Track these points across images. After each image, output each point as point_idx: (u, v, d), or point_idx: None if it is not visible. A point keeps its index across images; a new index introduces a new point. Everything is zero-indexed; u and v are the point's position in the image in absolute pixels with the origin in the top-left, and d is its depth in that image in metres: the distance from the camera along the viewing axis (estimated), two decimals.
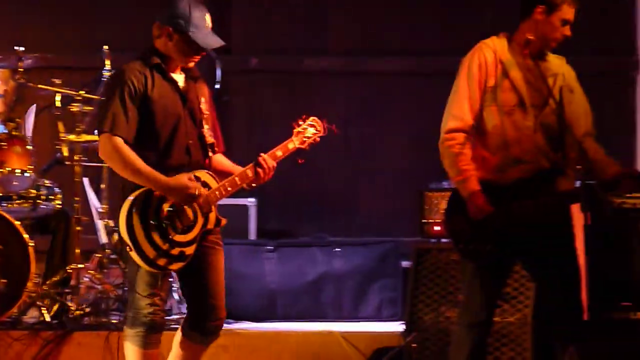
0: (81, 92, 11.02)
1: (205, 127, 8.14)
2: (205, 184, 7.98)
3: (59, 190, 11.16)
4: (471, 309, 8.53)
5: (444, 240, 10.19)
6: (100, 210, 11.36)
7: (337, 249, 12.31)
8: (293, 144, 8.18)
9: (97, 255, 11.03)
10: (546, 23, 8.36)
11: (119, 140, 7.76)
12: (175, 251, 7.86)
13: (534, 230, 8.37)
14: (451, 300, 10.02)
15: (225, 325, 9.92)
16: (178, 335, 8.22)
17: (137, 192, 7.81)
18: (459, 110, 8.40)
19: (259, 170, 8.05)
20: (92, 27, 13.23)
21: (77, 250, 10.87)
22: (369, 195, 12.86)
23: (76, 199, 10.95)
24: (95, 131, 8.95)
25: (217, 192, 7.96)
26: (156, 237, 7.81)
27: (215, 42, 8.08)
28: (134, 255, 7.77)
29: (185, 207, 7.84)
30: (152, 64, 7.94)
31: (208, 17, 8.08)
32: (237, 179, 8.01)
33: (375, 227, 12.85)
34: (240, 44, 13.31)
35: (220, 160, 8.32)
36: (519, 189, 8.36)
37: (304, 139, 8.23)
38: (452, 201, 8.57)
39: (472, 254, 8.52)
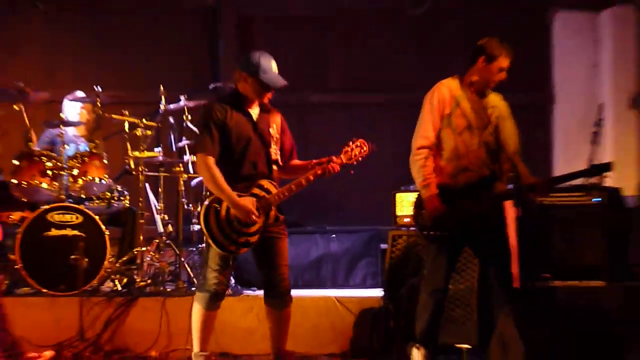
0: (143, 120, 11.24)
1: (273, 146, 8.52)
2: (267, 190, 8.38)
3: (127, 193, 11.39)
4: (432, 280, 8.92)
5: (411, 228, 10.24)
6: (158, 207, 11.53)
7: (333, 236, 12.35)
8: (341, 160, 8.56)
9: (155, 241, 11.19)
10: (486, 70, 8.85)
11: (210, 160, 8.32)
12: (242, 239, 8.35)
13: (477, 222, 8.82)
14: (417, 273, 10.03)
15: (251, 292, 10.77)
16: (266, 308, 8.70)
17: (213, 196, 8.39)
18: (424, 132, 8.88)
19: (323, 173, 8.46)
20: (151, 72, 13.35)
21: (141, 237, 11.12)
22: (357, 196, 13.23)
23: (140, 199, 11.16)
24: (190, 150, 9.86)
25: (276, 196, 8.39)
26: (227, 229, 8.33)
27: (280, 82, 8.52)
28: (209, 239, 8.32)
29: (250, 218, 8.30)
30: (231, 102, 8.46)
31: (274, 64, 8.52)
32: (302, 180, 8.44)
33: (362, 219, 12.94)
34: None
35: (295, 163, 8.73)
36: (467, 190, 8.85)
37: (351, 157, 8.61)
38: (418, 200, 8.93)
39: (433, 239, 8.94)
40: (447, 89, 9.06)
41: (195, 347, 8.68)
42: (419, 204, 9.09)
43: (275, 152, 8.65)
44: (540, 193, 8.96)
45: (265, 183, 8.53)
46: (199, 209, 11.21)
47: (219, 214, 8.44)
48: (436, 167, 9.01)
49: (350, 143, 8.73)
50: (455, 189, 8.97)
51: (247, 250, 8.54)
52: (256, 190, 8.49)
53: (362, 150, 8.74)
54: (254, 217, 8.36)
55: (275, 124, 8.69)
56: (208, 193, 8.50)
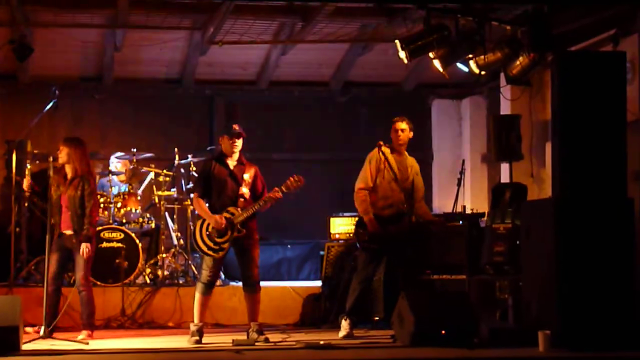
0: (164, 171, 11.37)
1: (243, 186, 8.60)
2: (232, 213, 8.47)
3: (153, 219, 11.25)
4: (363, 274, 9.05)
5: (340, 241, 10.54)
6: (173, 228, 11.43)
7: (288, 246, 12.60)
8: (282, 190, 8.54)
9: (172, 250, 11.14)
10: (393, 135, 9.08)
11: (196, 196, 8.62)
12: (217, 247, 8.49)
13: (393, 239, 9.06)
14: (342, 270, 10.26)
15: (234, 283, 10.74)
16: (244, 293, 8.77)
17: (200, 220, 8.59)
18: (365, 179, 9.04)
19: (269, 200, 8.52)
20: (169, 138, 13.14)
21: (162, 248, 11.10)
22: (304, 219, 12.94)
23: (162, 222, 11.26)
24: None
25: (238, 217, 8.44)
26: (207, 241, 8.51)
27: (236, 132, 8.65)
28: (198, 249, 8.56)
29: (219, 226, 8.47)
30: (217, 158, 8.68)
31: (237, 126, 8.70)
32: (256, 205, 8.52)
33: (307, 235, 12.82)
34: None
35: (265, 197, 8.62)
36: (390, 219, 9.04)
37: (289, 187, 8.55)
38: (358, 222, 9.12)
39: (366, 248, 9.09)
40: (381, 151, 9.12)
41: (195, 319, 8.70)
42: (359, 225, 9.17)
43: (244, 189, 8.67)
44: (438, 227, 9.37)
45: (231, 209, 8.63)
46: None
47: (201, 230, 8.60)
48: (372, 203, 9.09)
49: (291, 178, 8.68)
50: (383, 218, 9.09)
51: (224, 254, 8.61)
52: (225, 214, 8.58)
53: (297, 183, 8.66)
54: (221, 225, 8.49)
55: (249, 173, 8.73)
56: (198, 216, 8.63)
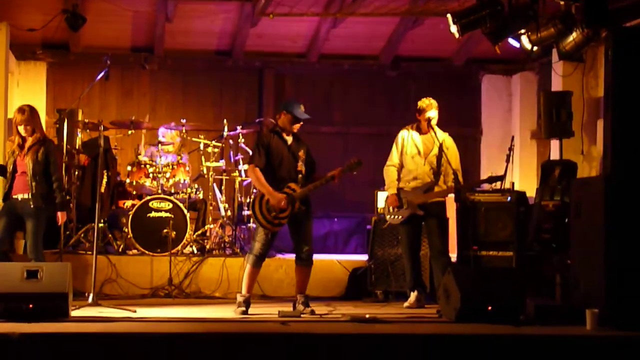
0: (213, 142, 11.36)
1: (300, 163, 8.70)
2: (293, 190, 8.58)
3: (201, 189, 11.34)
4: (406, 249, 9.35)
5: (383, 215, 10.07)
6: (221, 199, 11.41)
7: (335, 219, 12.66)
8: (339, 172, 8.71)
9: (219, 221, 11.18)
10: (421, 119, 9.25)
11: (256, 168, 8.63)
12: (276, 221, 8.59)
13: (424, 210, 9.23)
14: (391, 244, 10.22)
15: (281, 255, 10.78)
16: (296, 266, 8.87)
17: (259, 192, 8.75)
18: (391, 157, 9.35)
19: (331, 180, 8.68)
20: (218, 110, 13.42)
21: (210, 219, 11.15)
22: (351, 193, 13.03)
23: (209, 193, 11.23)
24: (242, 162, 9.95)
25: (299, 194, 8.58)
26: (266, 213, 8.58)
27: (304, 116, 8.81)
28: (256, 221, 8.63)
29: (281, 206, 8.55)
30: (274, 131, 8.73)
31: (302, 107, 8.83)
32: (316, 183, 8.65)
33: (354, 208, 13.01)
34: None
35: (315, 176, 8.79)
36: (416, 191, 9.25)
37: (345, 169, 8.76)
38: (386, 197, 9.40)
39: (395, 221, 9.38)
40: (407, 132, 9.42)
41: (243, 290, 8.78)
42: (387, 199, 9.43)
43: (301, 166, 8.76)
44: (463, 193, 9.37)
45: (292, 185, 8.70)
46: (248, 200, 11.32)
47: (261, 204, 8.61)
48: (399, 178, 9.32)
49: (351, 160, 8.87)
50: (408, 191, 9.30)
51: (279, 228, 8.69)
52: (286, 190, 8.65)
53: (357, 166, 8.83)
54: (283, 205, 8.53)
55: (303, 150, 8.83)
56: (254, 191, 8.64)
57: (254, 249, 8.73)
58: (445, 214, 9.51)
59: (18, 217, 8.94)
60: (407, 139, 9.41)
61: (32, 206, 8.83)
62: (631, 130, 7.91)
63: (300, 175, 8.74)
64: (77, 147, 11.25)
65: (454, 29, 9.37)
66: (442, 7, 11.04)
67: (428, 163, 9.33)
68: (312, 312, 8.58)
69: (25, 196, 8.85)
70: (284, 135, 8.83)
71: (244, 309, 8.64)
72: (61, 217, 9.05)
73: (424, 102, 9.34)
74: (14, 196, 8.90)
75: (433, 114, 9.30)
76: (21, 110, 8.96)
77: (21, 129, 8.90)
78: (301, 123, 8.86)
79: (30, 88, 13.00)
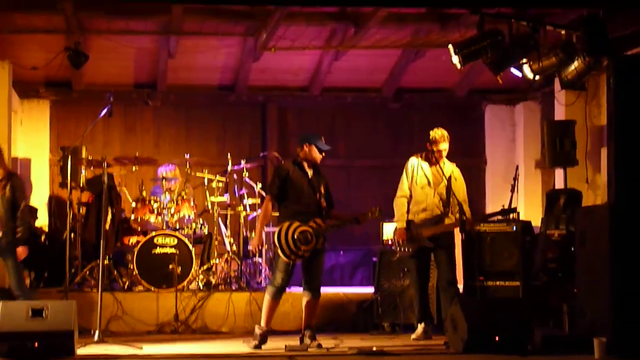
0: (217, 176, 11.37)
1: (320, 197, 8.78)
2: (319, 225, 8.62)
3: (206, 224, 11.27)
4: (415, 281, 9.32)
5: (392, 248, 10.00)
6: (226, 233, 11.49)
7: (341, 252, 12.50)
8: (366, 219, 8.85)
9: (224, 255, 11.16)
10: (431, 149, 9.17)
11: (270, 200, 8.76)
12: (300, 253, 8.57)
13: (432, 241, 9.21)
14: (397, 276, 10.16)
15: (287, 289, 10.75)
16: (304, 299, 8.81)
17: (287, 222, 8.63)
18: (402, 188, 9.28)
19: (357, 222, 8.89)
20: (222, 144, 13.41)
21: (215, 253, 11.14)
22: (358, 226, 13.37)
23: (215, 228, 11.25)
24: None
25: (323, 229, 8.66)
26: (292, 245, 8.54)
27: (327, 147, 8.94)
28: (279, 251, 8.55)
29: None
30: (295, 163, 8.77)
31: (322, 138, 8.97)
32: (343, 222, 8.95)
33: (360, 241, 12.97)
34: (294, 154, 14.03)
35: (334, 213, 8.93)
36: (425, 223, 9.21)
37: (370, 217, 8.84)
38: (395, 229, 9.33)
39: (404, 254, 9.34)
40: (416, 160, 9.39)
41: (262, 322, 8.81)
42: (395, 232, 9.41)
43: (322, 201, 8.82)
44: (471, 226, 9.21)
45: (318, 220, 8.72)
46: (252, 234, 11.34)
47: (287, 234, 8.62)
48: (409, 210, 9.24)
49: (373, 209, 8.88)
50: (418, 223, 9.27)
51: (300, 260, 8.73)
52: (312, 224, 8.68)
53: (378, 215, 8.88)
54: (257, 248, 8.88)
55: (323, 185, 8.91)
56: (279, 219, 8.81)
57: (275, 280, 8.74)
58: (454, 244, 9.50)
59: None
60: (417, 168, 9.37)
61: (6, 243, 8.85)
62: (635, 158, 7.92)
63: (324, 211, 8.80)
64: (81, 184, 11.26)
65: (455, 59, 9.41)
66: (443, 39, 11.08)
67: (437, 194, 9.30)
68: (319, 346, 8.56)
69: None
70: (306, 167, 8.88)
71: (257, 342, 8.64)
72: (22, 252, 9.01)
73: (437, 134, 9.30)
74: None
75: (445, 146, 9.30)
76: None
77: None
78: (323, 154, 8.93)
79: (33, 126, 13.09)
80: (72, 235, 10.95)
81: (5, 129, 10.72)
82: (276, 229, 8.69)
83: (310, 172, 8.88)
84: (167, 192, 11.17)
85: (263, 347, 8.64)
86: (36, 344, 7.52)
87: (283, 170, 8.88)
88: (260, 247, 8.88)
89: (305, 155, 8.89)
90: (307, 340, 8.65)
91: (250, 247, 8.69)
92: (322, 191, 8.85)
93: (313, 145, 8.86)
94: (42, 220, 12.25)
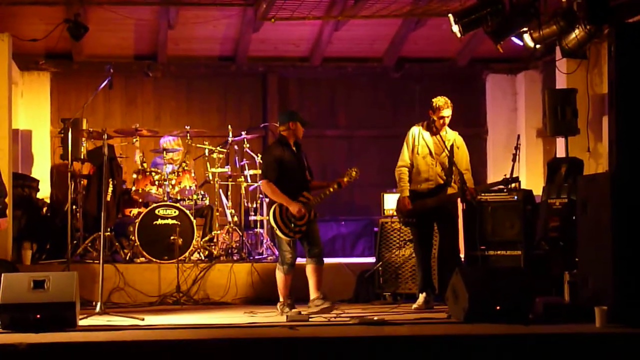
0: (218, 148, 11.35)
1: (307, 172, 9.10)
2: (307, 198, 8.91)
3: (207, 195, 11.34)
4: (418, 251, 9.32)
5: (394, 217, 10.20)
6: (227, 205, 11.48)
7: (342, 222, 12.60)
8: (344, 182, 9.11)
9: (226, 226, 11.22)
10: (434, 118, 9.14)
11: (270, 183, 8.96)
12: (297, 229, 8.89)
13: (435, 212, 9.20)
14: (398, 246, 10.26)
15: None
16: (308, 266, 9.05)
17: (276, 205, 8.92)
18: (403, 158, 9.25)
19: (339, 187, 9.07)
20: (223, 116, 13.46)
21: (217, 224, 11.19)
22: (358, 196, 13.12)
23: (216, 199, 11.27)
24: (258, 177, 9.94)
25: (313, 201, 8.97)
26: (288, 223, 8.84)
27: (308, 122, 9.27)
28: (277, 232, 8.86)
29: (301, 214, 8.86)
30: (281, 142, 8.99)
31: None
32: (326, 191, 9.05)
33: (361, 211, 13.08)
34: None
35: (315, 183, 9.22)
36: (428, 192, 9.20)
37: (349, 179, 9.12)
38: (399, 199, 9.33)
39: (407, 223, 9.39)
40: (417, 129, 9.35)
41: (281, 298, 9.08)
42: (399, 202, 9.36)
43: (308, 175, 9.15)
44: (472, 196, 9.20)
45: (305, 193, 9.03)
46: (254, 205, 11.43)
47: (281, 214, 8.91)
48: (411, 180, 9.23)
49: (349, 170, 9.12)
50: (420, 192, 9.28)
51: (300, 235, 9.00)
52: (302, 198, 8.97)
53: (356, 175, 9.14)
54: (302, 212, 8.85)
55: (305, 158, 9.15)
56: (263, 198, 8.75)
57: (284, 258, 9.03)
58: (457, 214, 9.52)
59: None
60: (418, 138, 9.33)
61: None
62: (636, 126, 7.86)
63: (309, 184, 9.11)
64: (82, 156, 11.24)
65: (455, 28, 9.36)
66: (443, 8, 11.04)
67: (439, 164, 9.28)
68: (333, 303, 8.97)
69: None
70: (292, 145, 9.10)
71: (288, 309, 8.93)
72: (1, 223, 8.96)
73: (440, 101, 9.25)
74: None
75: (448, 112, 9.24)
76: None
77: None
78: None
79: (34, 98, 13.07)
80: (74, 207, 10.95)
81: (6, 101, 10.68)
82: (270, 211, 8.95)
83: (294, 149, 9.10)
84: (168, 164, 11.12)
85: (260, 317, 8.75)
86: (38, 316, 7.50)
87: (276, 153, 9.06)
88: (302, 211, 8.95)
89: (291, 134, 9.10)
90: (318, 302, 8.92)
91: (299, 213, 8.84)
92: (306, 164, 9.13)
93: (298, 122, 9.10)
94: (44, 192, 12.21)
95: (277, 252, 10.78)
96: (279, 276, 9.07)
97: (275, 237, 9.20)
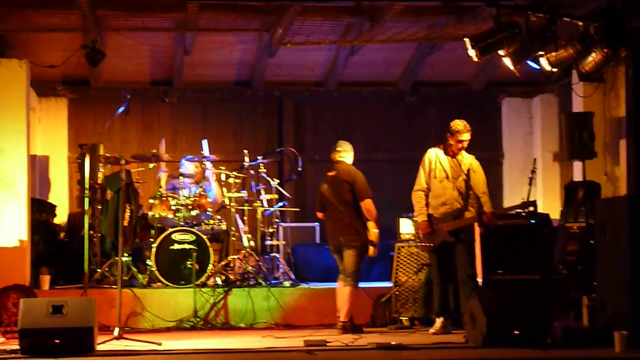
0: (234, 172, 11.35)
1: None
2: None
3: (223, 220, 11.32)
4: (434, 276, 9.36)
5: (410, 241, 10.21)
6: (244, 229, 11.42)
7: None
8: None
9: (242, 251, 11.15)
10: (452, 141, 9.17)
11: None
12: None
13: (452, 237, 9.21)
14: (414, 270, 10.17)
15: (304, 284, 10.80)
16: (340, 284, 9.55)
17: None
18: (417, 181, 9.27)
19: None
20: (238, 140, 13.53)
21: (233, 249, 11.13)
22: None
23: (232, 224, 11.22)
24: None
25: None
26: None
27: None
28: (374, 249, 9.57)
29: None
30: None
31: None
32: None
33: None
34: (311, 149, 13.87)
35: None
36: (445, 217, 9.17)
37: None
38: (417, 224, 9.37)
39: (424, 248, 9.46)
40: (434, 152, 9.37)
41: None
42: (417, 226, 9.44)
43: None
44: (489, 220, 9.20)
45: None
46: (270, 230, 11.46)
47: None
48: (427, 204, 9.22)
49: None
50: (438, 217, 9.23)
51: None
52: None
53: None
54: None
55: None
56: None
57: (359, 274, 9.69)
58: (474, 238, 9.48)
59: None
60: (435, 161, 9.36)
61: None
62: None
63: None
64: (99, 181, 11.29)
65: (472, 52, 9.37)
66: (459, 32, 11.06)
67: (456, 188, 9.29)
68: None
69: None
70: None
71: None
72: None
73: (459, 125, 9.29)
74: None
75: (467, 136, 9.28)
76: None
77: None
78: None
79: (51, 124, 13.17)
80: (91, 232, 10.97)
81: (24, 126, 10.76)
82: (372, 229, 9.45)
83: None
84: (184, 188, 11.18)
85: (278, 342, 8.73)
86: (56, 341, 7.54)
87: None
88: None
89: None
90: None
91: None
92: None
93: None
94: (61, 218, 12.28)
95: (293, 277, 11.15)
96: (350, 290, 9.56)
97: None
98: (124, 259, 10.36)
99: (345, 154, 9.86)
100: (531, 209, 9.70)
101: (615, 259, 8.00)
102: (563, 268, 9.53)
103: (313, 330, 9.09)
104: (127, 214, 10.94)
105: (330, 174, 9.80)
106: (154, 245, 10.69)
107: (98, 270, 10.85)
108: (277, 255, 11.45)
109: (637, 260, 7.72)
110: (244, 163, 11.54)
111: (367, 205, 9.55)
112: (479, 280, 9.75)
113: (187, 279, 10.54)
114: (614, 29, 8.85)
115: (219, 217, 11.39)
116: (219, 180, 11.52)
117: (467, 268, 9.28)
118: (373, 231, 9.55)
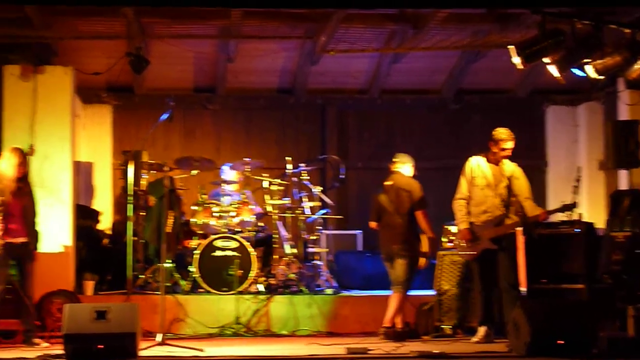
0: (276, 180, 11.45)
1: None
2: None
3: (266, 227, 11.41)
4: (478, 284, 9.30)
5: (452, 250, 10.15)
6: (286, 237, 11.41)
7: None
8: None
9: (284, 258, 11.18)
10: (495, 149, 9.14)
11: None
12: None
13: (494, 244, 9.18)
14: (457, 278, 10.14)
15: (346, 292, 10.79)
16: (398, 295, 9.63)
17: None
18: (461, 190, 9.27)
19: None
20: (281, 148, 13.50)
21: (276, 256, 11.18)
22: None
23: (274, 231, 11.24)
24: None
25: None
26: None
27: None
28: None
29: None
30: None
31: None
32: None
33: None
34: (353, 157, 13.82)
35: None
36: (486, 224, 9.17)
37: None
38: (458, 232, 9.35)
39: (468, 256, 9.38)
40: (475, 161, 9.38)
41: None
42: (458, 234, 9.44)
43: None
44: (531, 223, 9.22)
45: None
46: (313, 237, 11.43)
47: None
48: (469, 212, 9.17)
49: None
50: (479, 225, 9.20)
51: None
52: None
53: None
54: None
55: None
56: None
57: (410, 282, 9.79)
58: (516, 246, 9.42)
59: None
60: (476, 170, 9.34)
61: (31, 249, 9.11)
62: None
63: None
64: (142, 188, 11.37)
65: (517, 60, 9.33)
66: (504, 39, 11.00)
67: (498, 195, 9.25)
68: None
69: (23, 240, 9.08)
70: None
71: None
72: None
73: (503, 133, 9.27)
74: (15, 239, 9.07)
75: (511, 145, 9.26)
76: (18, 151, 9.19)
77: (18, 170, 9.09)
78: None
79: (95, 130, 13.27)
80: (134, 238, 11.05)
81: (69, 133, 10.89)
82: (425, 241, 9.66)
83: None
84: (227, 195, 11.19)
85: (320, 349, 8.71)
86: (100, 346, 7.61)
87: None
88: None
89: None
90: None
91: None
92: None
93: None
94: (105, 224, 12.38)
95: (335, 284, 11.10)
96: (398, 297, 9.68)
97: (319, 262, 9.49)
98: (166, 265, 10.42)
99: (402, 164, 9.92)
100: (573, 214, 9.68)
101: None
102: (608, 277, 9.44)
103: (355, 338, 9.06)
104: (170, 221, 10.99)
105: (387, 183, 9.85)
106: (197, 251, 10.74)
107: (141, 276, 10.92)
108: (319, 262, 11.43)
109: None
110: (287, 170, 11.57)
111: (422, 215, 9.61)
112: (523, 289, 9.66)
113: (229, 286, 10.60)
114: None
115: (261, 223, 11.43)
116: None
117: (509, 276, 9.24)
118: (426, 243, 9.57)
